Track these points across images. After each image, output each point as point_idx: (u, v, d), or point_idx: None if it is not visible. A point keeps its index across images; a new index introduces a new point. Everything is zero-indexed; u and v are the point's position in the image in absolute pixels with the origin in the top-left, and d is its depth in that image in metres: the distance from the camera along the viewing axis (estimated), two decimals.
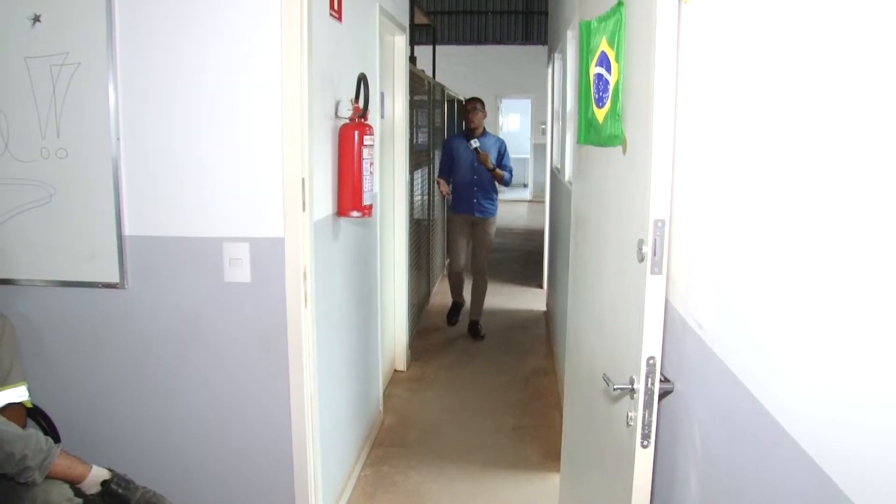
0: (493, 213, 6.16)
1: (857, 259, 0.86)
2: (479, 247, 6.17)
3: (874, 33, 0.84)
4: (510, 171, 6.06)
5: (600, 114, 2.11)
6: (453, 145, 6.13)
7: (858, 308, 0.86)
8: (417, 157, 6.03)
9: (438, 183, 6.34)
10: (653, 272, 1.64)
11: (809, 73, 1.01)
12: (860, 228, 0.86)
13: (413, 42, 6.69)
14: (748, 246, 1.23)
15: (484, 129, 6.04)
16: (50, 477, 2.31)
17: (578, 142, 2.52)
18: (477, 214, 6.07)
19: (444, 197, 6.52)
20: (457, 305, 6.57)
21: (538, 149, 15.55)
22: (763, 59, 1.19)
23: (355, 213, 3.20)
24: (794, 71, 1.06)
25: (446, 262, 7.75)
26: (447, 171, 6.18)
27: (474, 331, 6.20)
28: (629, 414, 1.74)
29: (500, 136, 17.59)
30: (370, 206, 3.26)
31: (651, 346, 1.66)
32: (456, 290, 6.51)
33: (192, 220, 2.72)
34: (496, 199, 6.19)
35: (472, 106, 6.01)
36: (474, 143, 5.87)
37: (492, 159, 5.94)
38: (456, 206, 6.17)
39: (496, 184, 6.08)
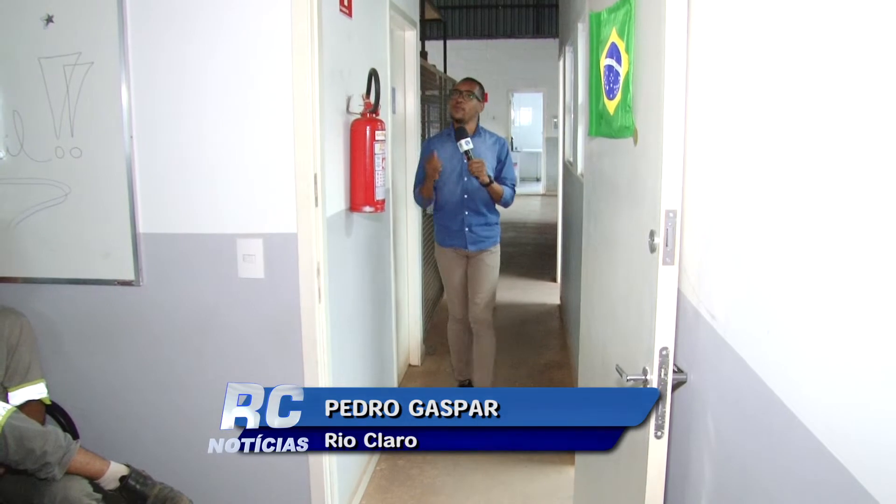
0: (492, 243, 4.29)
1: (869, 248, 0.86)
2: (476, 290, 4.31)
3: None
4: (513, 186, 4.21)
5: (611, 105, 2.10)
6: (436, 148, 4.20)
7: (868, 298, 0.86)
8: None
9: (428, 164, 4.12)
10: (665, 263, 1.64)
11: (823, 59, 1.01)
12: (876, 217, 0.85)
13: (424, 37, 6.68)
14: (761, 236, 1.23)
15: (478, 125, 4.19)
16: (69, 473, 2.34)
17: (590, 134, 2.51)
18: (470, 248, 4.24)
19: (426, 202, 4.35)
20: (462, 384, 4.64)
21: (550, 142, 15.51)
22: (775, 44, 1.18)
23: (368, 208, 3.21)
24: (807, 57, 1.05)
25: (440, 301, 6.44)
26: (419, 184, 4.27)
27: None
28: None
29: (512, 132, 17.57)
30: (383, 201, 3.27)
31: (664, 336, 1.65)
32: (459, 356, 4.58)
33: (205, 216, 2.74)
34: (496, 224, 4.32)
35: (464, 88, 4.12)
36: (465, 145, 3.97)
37: (489, 167, 4.08)
38: (442, 238, 4.33)
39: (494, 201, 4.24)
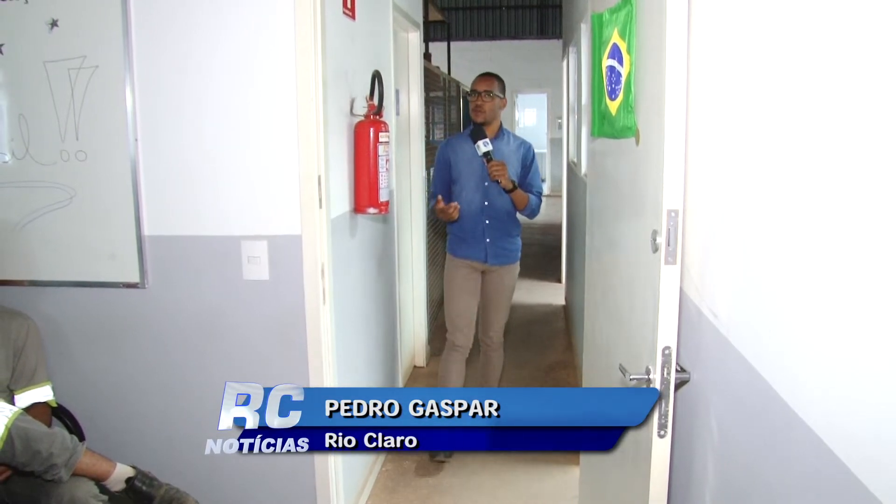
0: (514, 258, 3.89)
1: (869, 247, 0.87)
2: (491, 308, 3.93)
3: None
4: (539, 195, 3.81)
5: (613, 106, 2.11)
6: (451, 151, 3.82)
7: (868, 297, 0.86)
8: (433, 154, 5.95)
9: (437, 208, 3.71)
10: (667, 262, 1.64)
11: (823, 59, 1.01)
12: (877, 216, 0.85)
13: (427, 38, 6.68)
14: (762, 236, 1.23)
15: (501, 126, 3.79)
16: (76, 474, 2.35)
17: (592, 134, 2.52)
18: (490, 262, 3.81)
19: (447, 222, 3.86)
20: None
21: (555, 143, 15.51)
22: (776, 44, 1.19)
23: (372, 210, 3.22)
24: (808, 57, 1.06)
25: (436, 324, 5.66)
26: (445, 193, 3.81)
27: None
28: None
29: (516, 133, 17.30)
30: (387, 203, 3.27)
31: (666, 336, 1.66)
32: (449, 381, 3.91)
33: (210, 219, 2.75)
34: (518, 236, 3.92)
35: (482, 87, 3.71)
36: (483, 146, 3.62)
37: (512, 173, 3.70)
38: (456, 248, 3.87)
39: (517, 213, 3.82)
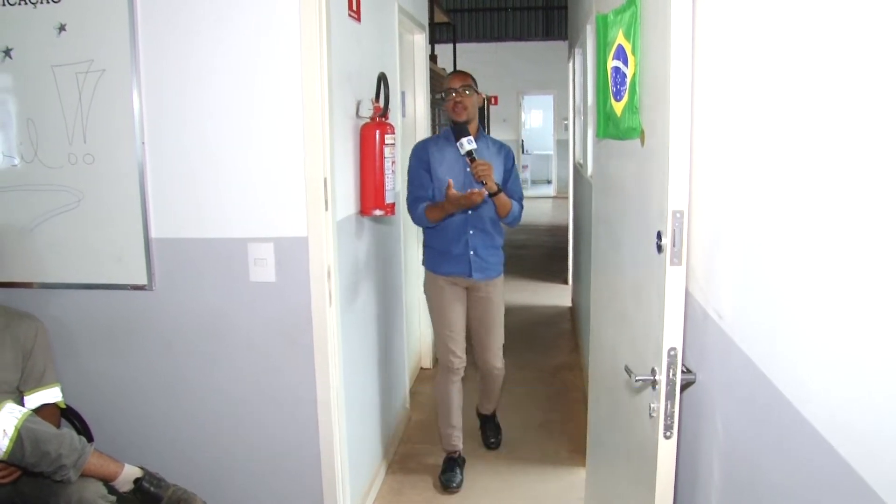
0: (498, 271, 3.57)
1: (873, 248, 0.87)
2: (483, 332, 3.62)
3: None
4: (520, 201, 3.49)
5: (618, 107, 2.11)
6: (430, 154, 3.45)
7: (872, 297, 0.87)
8: None
9: (450, 194, 3.20)
10: (672, 263, 1.65)
11: (829, 60, 1.01)
12: (881, 217, 0.86)
13: (433, 40, 6.67)
14: (767, 236, 1.23)
15: (479, 128, 3.46)
16: (84, 475, 2.37)
17: (598, 136, 2.52)
18: (476, 276, 3.47)
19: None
20: (452, 460, 3.65)
21: (561, 145, 15.50)
22: (780, 44, 1.19)
23: (378, 212, 3.22)
24: (814, 57, 1.06)
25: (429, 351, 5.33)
26: (420, 198, 3.44)
27: (489, 432, 4.03)
28: (651, 405, 1.74)
29: (522, 134, 17.38)
30: (393, 205, 3.28)
31: (672, 336, 1.66)
32: (449, 419, 3.64)
33: (216, 221, 2.76)
34: (502, 247, 3.59)
35: (459, 84, 3.38)
36: (466, 144, 3.25)
37: (495, 177, 3.32)
38: (436, 264, 3.53)
39: (500, 221, 3.50)
